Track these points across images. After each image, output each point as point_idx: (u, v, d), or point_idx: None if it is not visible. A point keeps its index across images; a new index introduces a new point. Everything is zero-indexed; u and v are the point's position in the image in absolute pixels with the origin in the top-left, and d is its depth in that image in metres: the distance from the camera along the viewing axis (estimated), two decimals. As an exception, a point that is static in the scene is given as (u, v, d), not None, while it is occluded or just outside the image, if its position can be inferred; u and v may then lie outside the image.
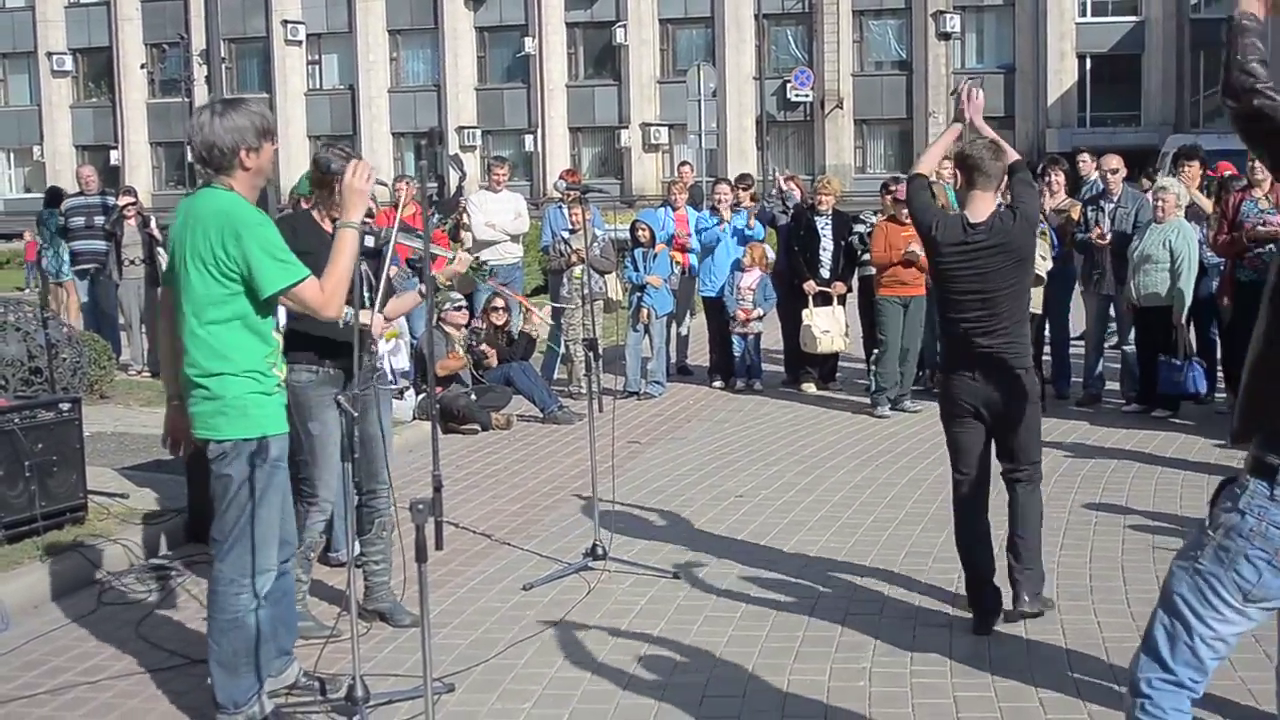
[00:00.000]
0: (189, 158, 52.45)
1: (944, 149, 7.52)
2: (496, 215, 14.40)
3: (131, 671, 6.43)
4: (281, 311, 5.81)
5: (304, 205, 7.54)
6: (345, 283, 5.39)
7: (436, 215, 12.61)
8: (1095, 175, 12.87)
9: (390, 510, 7.02)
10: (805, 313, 13.52)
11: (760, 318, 13.99)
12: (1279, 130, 3.66)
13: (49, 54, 56.74)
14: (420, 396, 12.34)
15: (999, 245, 6.68)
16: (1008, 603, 6.82)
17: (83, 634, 7.01)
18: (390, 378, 11.71)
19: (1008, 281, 6.74)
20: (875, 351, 12.82)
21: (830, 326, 13.44)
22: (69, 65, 57.17)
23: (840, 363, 14.42)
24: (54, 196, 17.75)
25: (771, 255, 14.35)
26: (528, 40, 51.40)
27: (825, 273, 13.62)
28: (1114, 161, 12.52)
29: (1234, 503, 3.82)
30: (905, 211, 12.48)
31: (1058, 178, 12.97)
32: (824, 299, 13.52)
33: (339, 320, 5.70)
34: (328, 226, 6.46)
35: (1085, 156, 13.39)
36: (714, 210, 14.58)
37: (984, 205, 6.77)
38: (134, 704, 6.04)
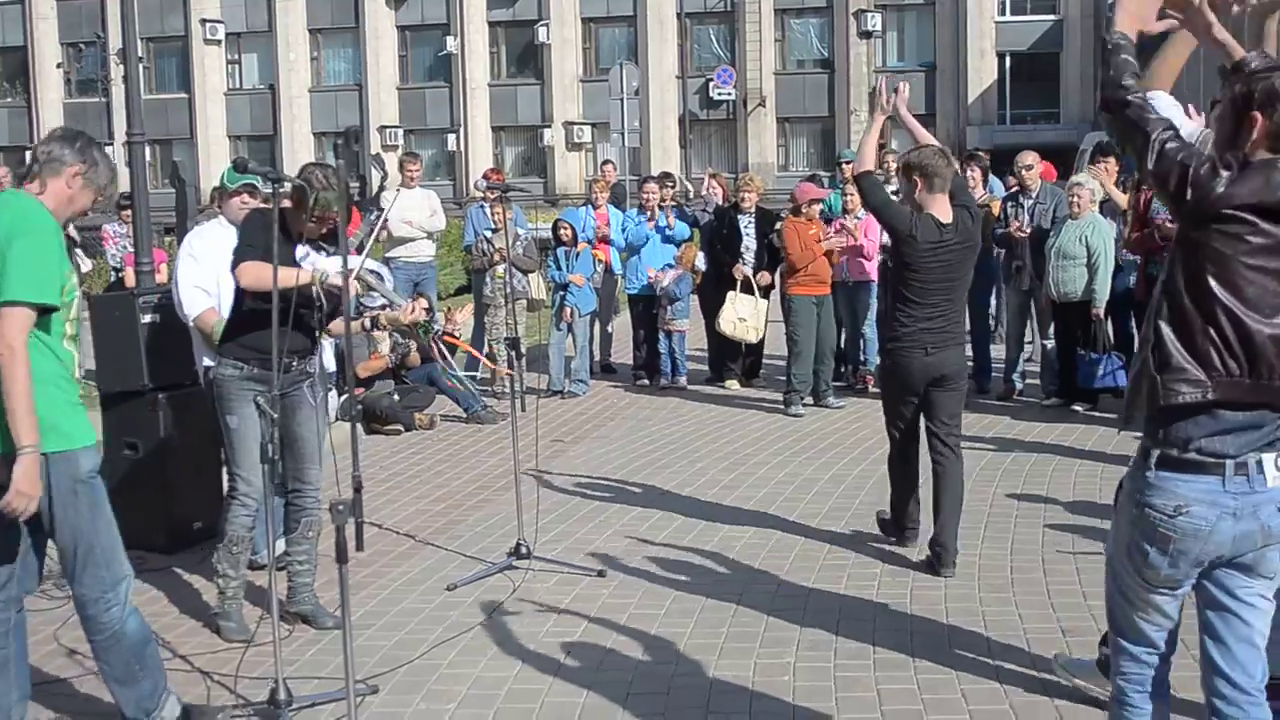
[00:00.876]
0: (112, 158, 52.31)
1: (875, 142, 8.23)
2: (412, 212, 14.33)
3: (49, 678, 6.33)
4: (224, 301, 5.74)
5: (229, 200, 7.53)
6: (7, 386, 4.85)
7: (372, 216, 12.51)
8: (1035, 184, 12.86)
9: (318, 511, 6.97)
10: (729, 295, 13.55)
11: (678, 301, 13.96)
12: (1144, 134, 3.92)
13: (-38, 53, 56.06)
14: (342, 397, 12.26)
15: (964, 242, 7.65)
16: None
17: None
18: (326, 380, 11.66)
19: (965, 272, 7.77)
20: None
21: (748, 315, 13.46)
22: (-17, 65, 56.50)
23: (764, 359, 14.46)
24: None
25: (701, 263, 14.32)
26: (449, 39, 51.25)
27: (749, 271, 13.66)
28: (1029, 158, 12.68)
29: (1124, 487, 4.15)
30: (810, 211, 12.71)
31: (974, 174, 13.11)
32: (748, 288, 13.55)
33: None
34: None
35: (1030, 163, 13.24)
36: (641, 209, 14.59)
37: (944, 206, 7.63)
38: (45, 715, 5.96)
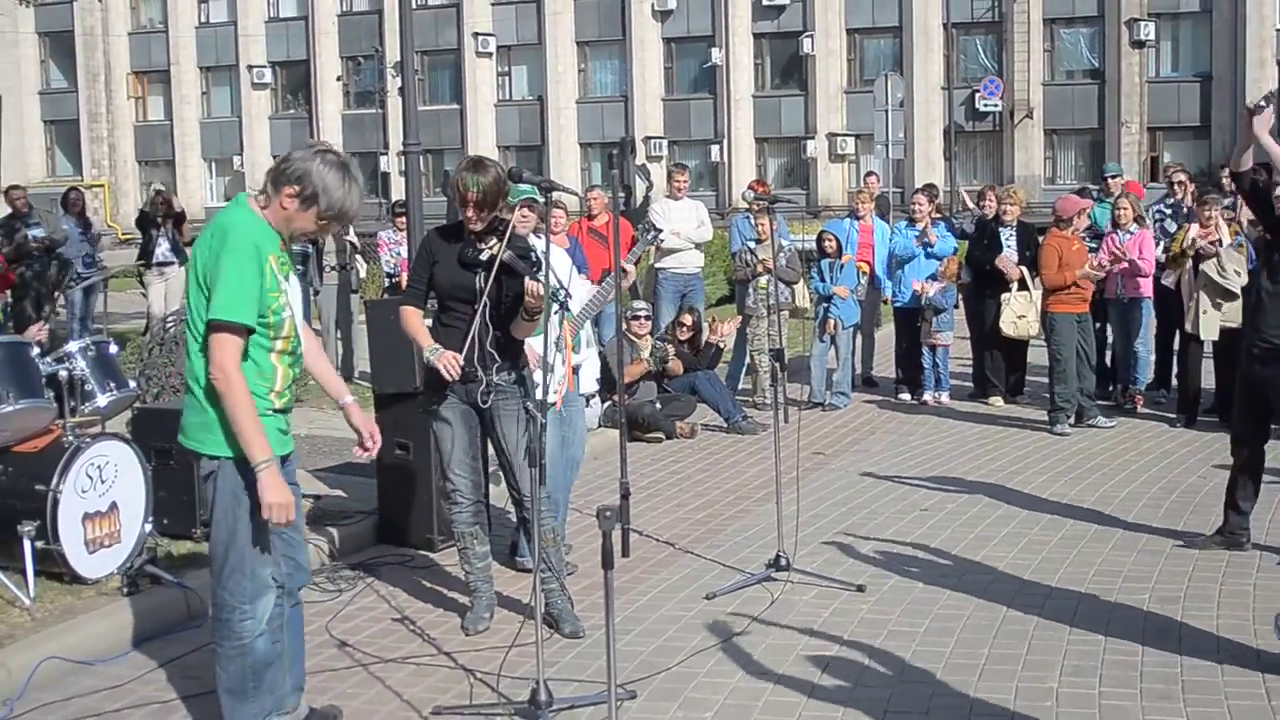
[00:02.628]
0: (382, 167, 53.22)
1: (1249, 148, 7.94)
2: (679, 223, 14.45)
3: (321, 669, 6.56)
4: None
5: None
6: (228, 408, 5.09)
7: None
8: None
9: (550, 520, 6.96)
10: (1004, 296, 13.33)
11: (943, 312, 13.80)
12: None
13: (249, 67, 58.27)
14: (605, 404, 12.44)
15: None
16: None
17: (276, 631, 7.18)
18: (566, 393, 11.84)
19: None
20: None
21: (1026, 312, 13.21)
22: (268, 78, 58.63)
23: (1029, 376, 14.18)
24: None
25: (965, 275, 14.14)
26: (714, 51, 51.41)
27: (1014, 286, 13.40)
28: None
29: None
30: (1078, 224, 12.40)
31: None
32: (1023, 285, 13.32)
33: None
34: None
35: None
36: (910, 221, 14.45)
37: None
38: (324, 700, 6.16)
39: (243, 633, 5.29)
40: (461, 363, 6.54)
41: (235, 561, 5.25)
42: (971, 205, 15.26)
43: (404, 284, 8.41)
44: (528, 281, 6.36)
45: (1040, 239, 13.31)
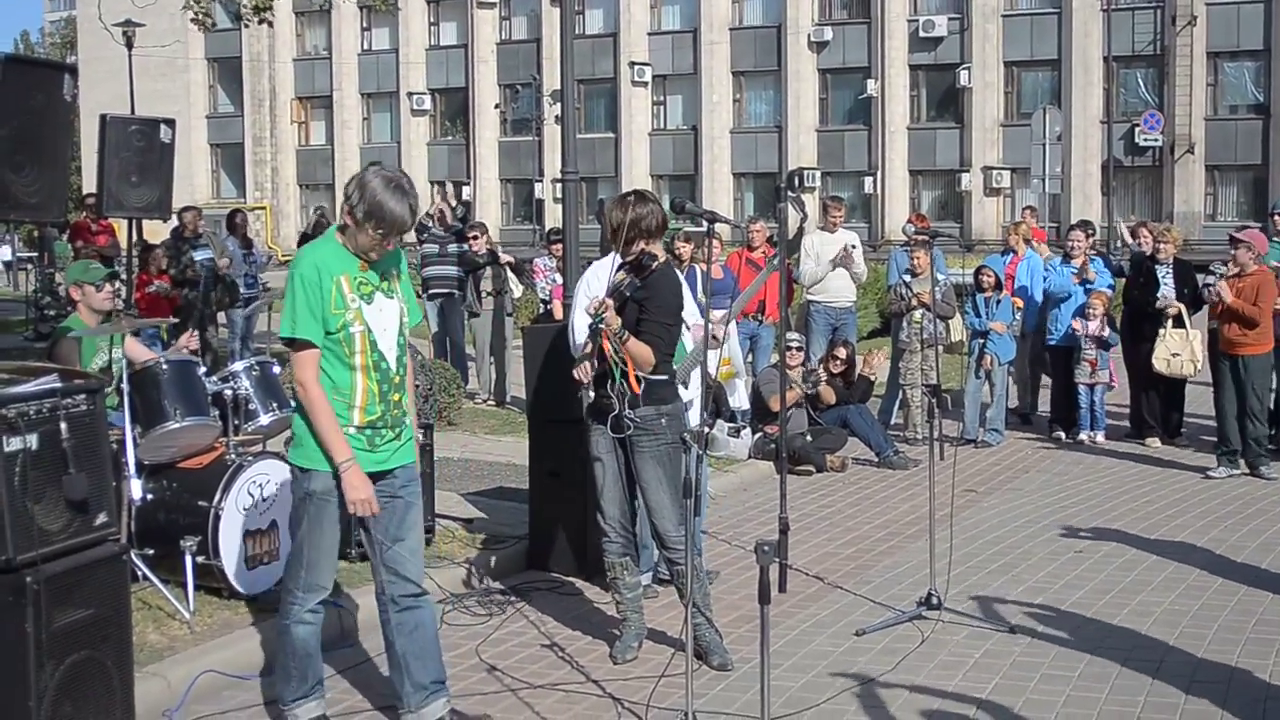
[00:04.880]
0: (537, 194, 53.84)
1: None
2: (832, 255, 14.37)
3: (471, 692, 6.63)
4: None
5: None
6: (310, 416, 5.62)
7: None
8: None
9: (681, 560, 6.82)
10: (1160, 333, 13.11)
11: (1107, 348, 13.59)
12: None
13: (409, 94, 59.26)
14: (756, 436, 12.42)
15: None
16: None
17: (428, 653, 7.27)
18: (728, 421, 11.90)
19: None
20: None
21: (1181, 350, 12.96)
22: (427, 104, 59.59)
23: (1187, 418, 13.89)
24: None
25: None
26: (870, 82, 51.23)
27: (1168, 321, 13.15)
28: None
29: None
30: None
31: None
32: (1179, 323, 13.08)
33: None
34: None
35: None
36: (1066, 257, 14.25)
37: None
38: (475, 724, 6.24)
39: (288, 614, 5.83)
40: (591, 371, 6.70)
41: (296, 553, 5.84)
42: (1128, 239, 14.99)
43: (558, 312, 8.50)
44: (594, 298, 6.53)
45: (1207, 280, 13.01)
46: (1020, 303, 14.22)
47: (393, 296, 5.74)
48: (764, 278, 10.33)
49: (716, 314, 7.34)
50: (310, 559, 5.75)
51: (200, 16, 20.49)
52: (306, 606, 5.80)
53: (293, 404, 5.84)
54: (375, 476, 5.69)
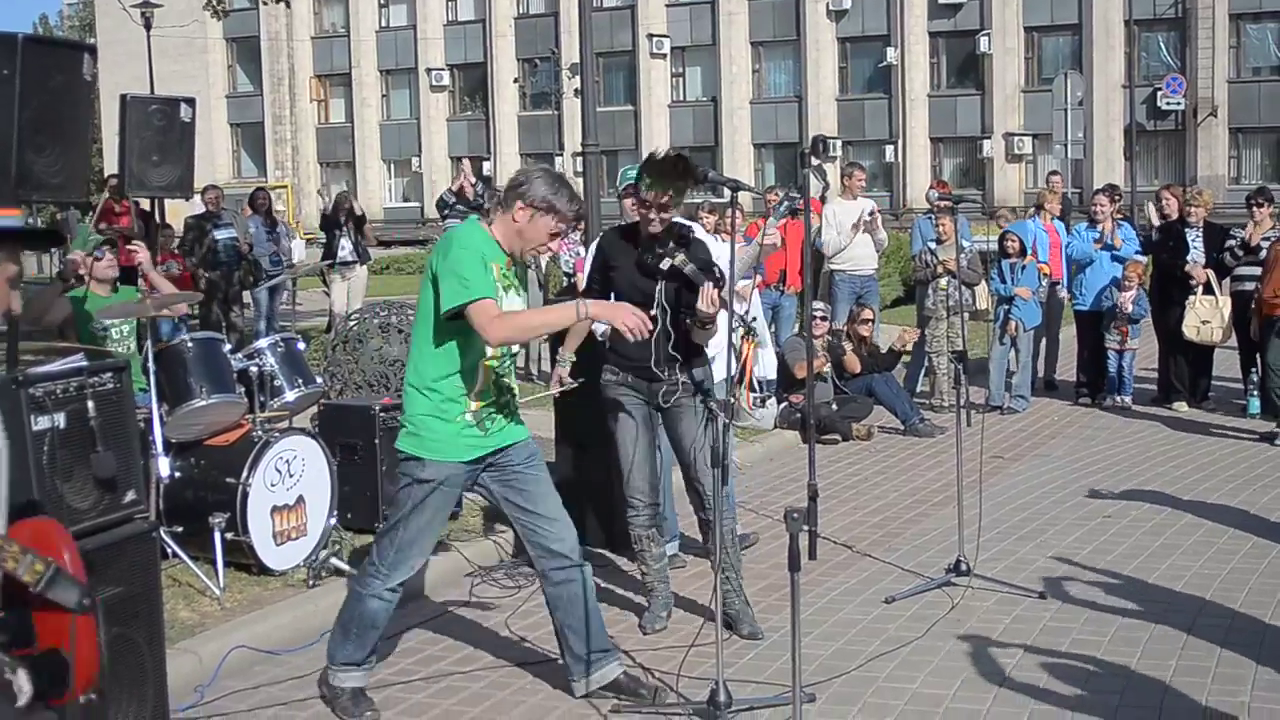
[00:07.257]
0: (558, 168, 54.43)
1: None
2: (852, 223, 14.31)
3: (500, 664, 6.65)
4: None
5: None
6: (520, 331, 5.86)
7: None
8: None
9: (729, 521, 6.98)
10: (1189, 300, 13.09)
11: (1138, 320, 13.52)
12: None
13: (428, 70, 59.21)
14: (782, 405, 12.40)
15: None
16: None
17: (455, 625, 7.30)
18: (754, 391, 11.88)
19: None
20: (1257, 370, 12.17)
21: (1210, 317, 12.91)
22: (446, 80, 59.55)
23: (1214, 380, 13.83)
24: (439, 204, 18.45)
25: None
26: (890, 50, 51.01)
27: (1198, 288, 13.09)
28: None
29: None
30: None
31: None
32: (1208, 289, 13.05)
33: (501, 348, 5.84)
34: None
35: None
36: (1091, 223, 14.18)
37: None
38: (503, 695, 6.25)
39: (367, 585, 5.89)
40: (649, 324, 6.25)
41: (391, 530, 5.89)
42: (1156, 222, 14.82)
43: (580, 284, 8.46)
44: (703, 290, 6.31)
45: (1229, 242, 12.97)
46: (1046, 269, 14.16)
47: (521, 295, 5.89)
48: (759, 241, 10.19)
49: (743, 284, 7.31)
50: (404, 540, 5.83)
51: (215, 5, 20.49)
52: (388, 585, 5.86)
53: (408, 388, 5.82)
54: (490, 455, 5.81)
